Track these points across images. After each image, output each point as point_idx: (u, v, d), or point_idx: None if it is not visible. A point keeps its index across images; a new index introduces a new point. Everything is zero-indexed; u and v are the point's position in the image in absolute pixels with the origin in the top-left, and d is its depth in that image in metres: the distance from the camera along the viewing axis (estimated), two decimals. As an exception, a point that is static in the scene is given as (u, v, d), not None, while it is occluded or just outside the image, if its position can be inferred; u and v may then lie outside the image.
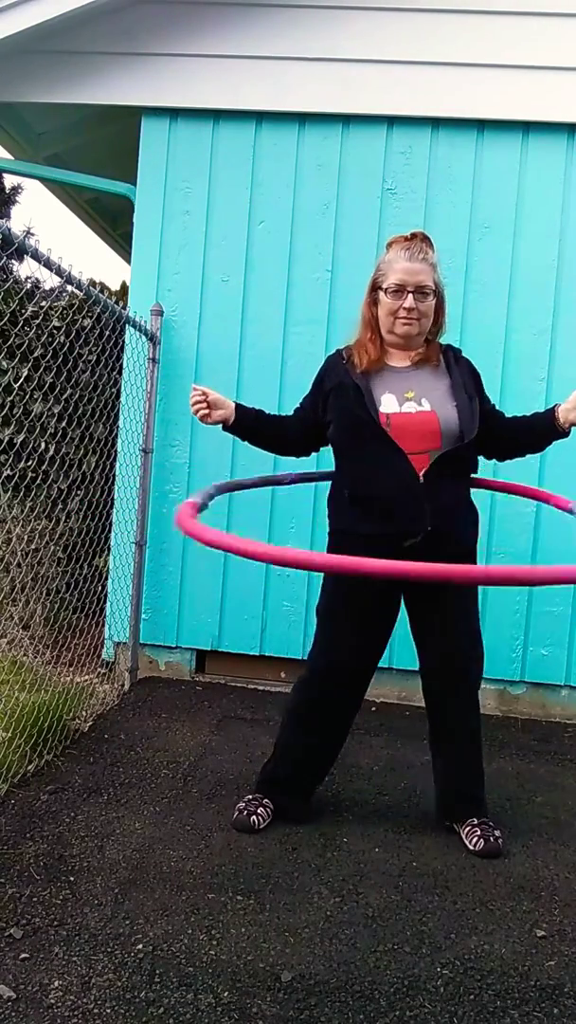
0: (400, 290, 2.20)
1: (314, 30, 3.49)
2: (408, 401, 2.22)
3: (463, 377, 2.30)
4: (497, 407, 2.45)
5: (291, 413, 2.46)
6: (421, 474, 2.16)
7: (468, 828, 2.37)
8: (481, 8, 3.42)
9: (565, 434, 2.29)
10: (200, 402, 2.27)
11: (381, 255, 2.30)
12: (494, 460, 2.51)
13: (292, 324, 3.62)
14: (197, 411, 2.28)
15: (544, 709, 3.61)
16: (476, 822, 2.37)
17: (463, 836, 2.37)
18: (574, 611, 3.56)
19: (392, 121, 3.58)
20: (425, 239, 2.26)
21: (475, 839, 2.32)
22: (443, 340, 2.41)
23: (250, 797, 2.43)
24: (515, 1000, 1.72)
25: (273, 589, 3.69)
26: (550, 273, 3.53)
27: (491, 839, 2.32)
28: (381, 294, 2.24)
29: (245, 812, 2.37)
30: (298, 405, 2.44)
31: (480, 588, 3.56)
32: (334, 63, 3.52)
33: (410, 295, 2.19)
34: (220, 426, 2.34)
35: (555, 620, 3.57)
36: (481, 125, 3.54)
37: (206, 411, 2.28)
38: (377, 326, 2.29)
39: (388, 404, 2.21)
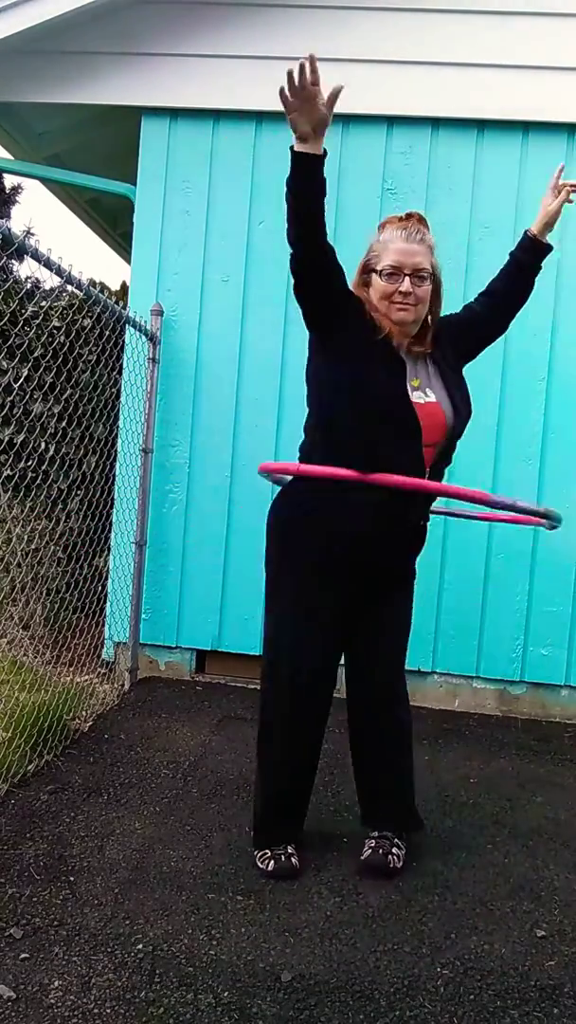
0: (396, 272, 2.00)
1: (314, 30, 3.49)
2: (416, 390, 2.05)
3: (450, 355, 2.15)
4: (470, 305, 2.26)
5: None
6: (428, 468, 2.07)
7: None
8: (481, 8, 3.42)
9: (549, 246, 2.20)
10: (313, 73, 1.83)
11: (372, 236, 2.11)
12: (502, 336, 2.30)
13: (292, 324, 3.61)
14: (304, 84, 1.83)
15: (544, 709, 3.61)
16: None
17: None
18: (574, 611, 3.56)
19: (392, 121, 3.58)
20: (422, 220, 2.08)
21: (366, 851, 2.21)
22: None
23: (269, 852, 2.17)
24: (515, 1000, 1.72)
25: (273, 589, 3.69)
26: (550, 273, 3.51)
27: (380, 852, 2.18)
28: (374, 276, 2.04)
29: (282, 858, 2.15)
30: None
31: (482, 585, 3.59)
32: (334, 63, 3.45)
33: (407, 278, 1.99)
34: (298, 136, 1.86)
35: (555, 620, 3.57)
36: (481, 125, 3.54)
37: (315, 86, 1.84)
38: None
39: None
